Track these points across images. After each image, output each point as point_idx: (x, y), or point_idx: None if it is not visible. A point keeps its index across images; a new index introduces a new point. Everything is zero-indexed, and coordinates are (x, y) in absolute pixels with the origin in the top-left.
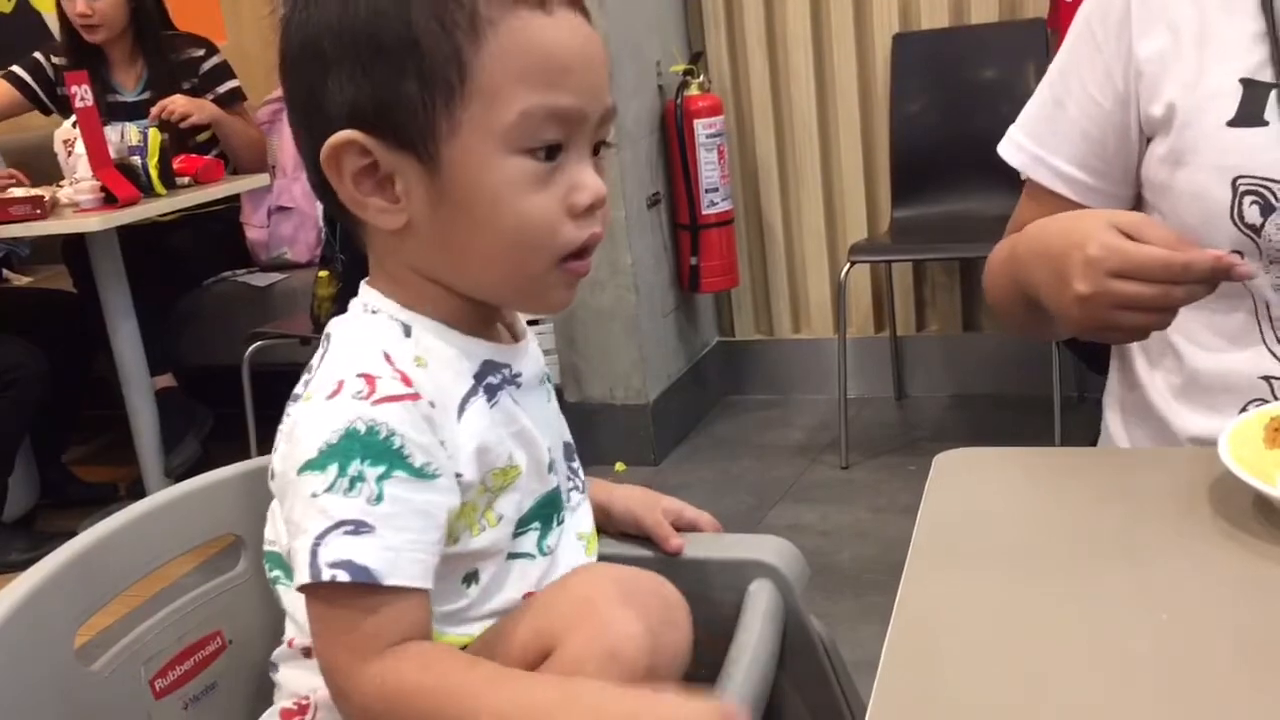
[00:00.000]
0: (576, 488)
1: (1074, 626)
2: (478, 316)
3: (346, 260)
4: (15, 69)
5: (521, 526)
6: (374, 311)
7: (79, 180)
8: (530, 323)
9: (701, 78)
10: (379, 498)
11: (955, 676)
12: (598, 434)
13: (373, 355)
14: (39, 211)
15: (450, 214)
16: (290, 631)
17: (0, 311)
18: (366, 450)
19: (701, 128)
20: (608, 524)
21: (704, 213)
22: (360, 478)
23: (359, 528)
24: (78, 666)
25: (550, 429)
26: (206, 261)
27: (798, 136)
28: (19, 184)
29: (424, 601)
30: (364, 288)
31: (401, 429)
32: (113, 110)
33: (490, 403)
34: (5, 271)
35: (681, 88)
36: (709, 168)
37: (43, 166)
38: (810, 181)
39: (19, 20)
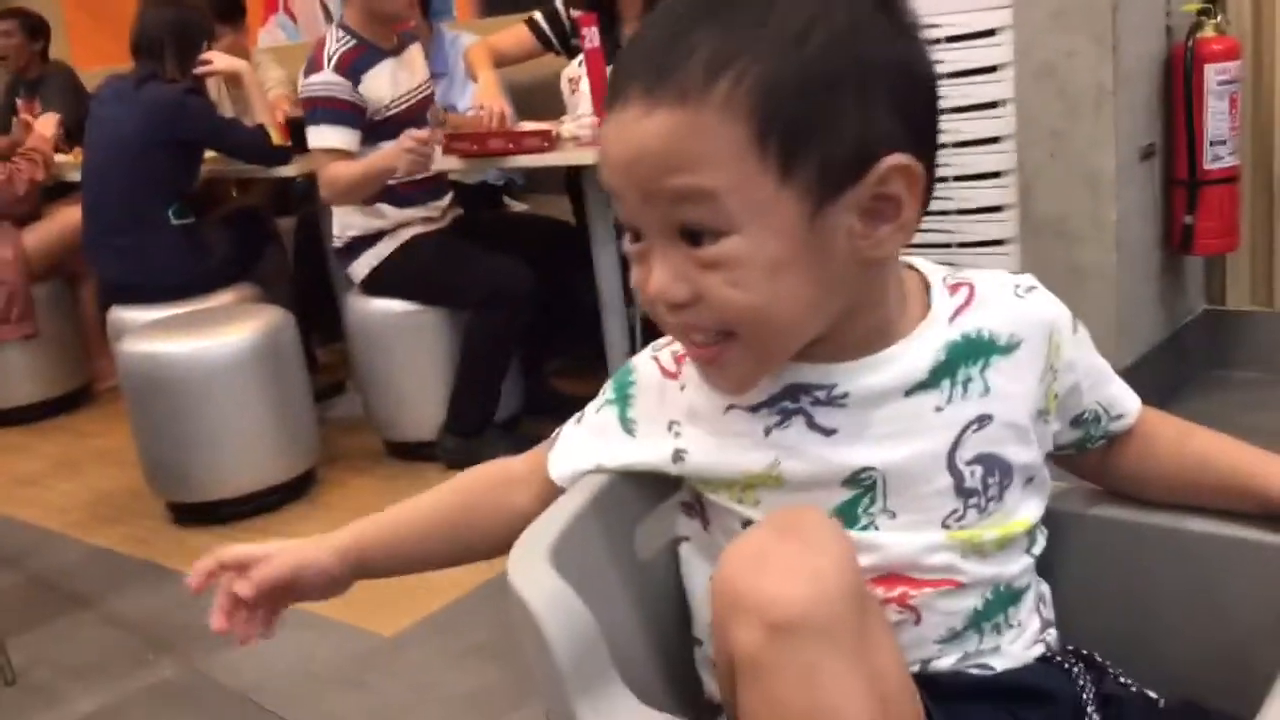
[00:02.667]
0: (976, 507)
1: None
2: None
3: None
4: (535, 16)
5: None
6: None
7: (580, 116)
8: None
9: (1219, 18)
10: (593, 411)
11: None
12: None
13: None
14: (547, 145)
15: None
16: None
17: (502, 234)
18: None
19: (1213, 73)
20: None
21: (1206, 167)
22: (603, 391)
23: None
24: (633, 554)
25: (894, 448)
26: None
27: None
28: None
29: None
30: None
31: (642, 383)
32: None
33: (781, 425)
34: (505, 198)
35: (1194, 29)
36: (1217, 118)
37: (544, 101)
38: None
39: None
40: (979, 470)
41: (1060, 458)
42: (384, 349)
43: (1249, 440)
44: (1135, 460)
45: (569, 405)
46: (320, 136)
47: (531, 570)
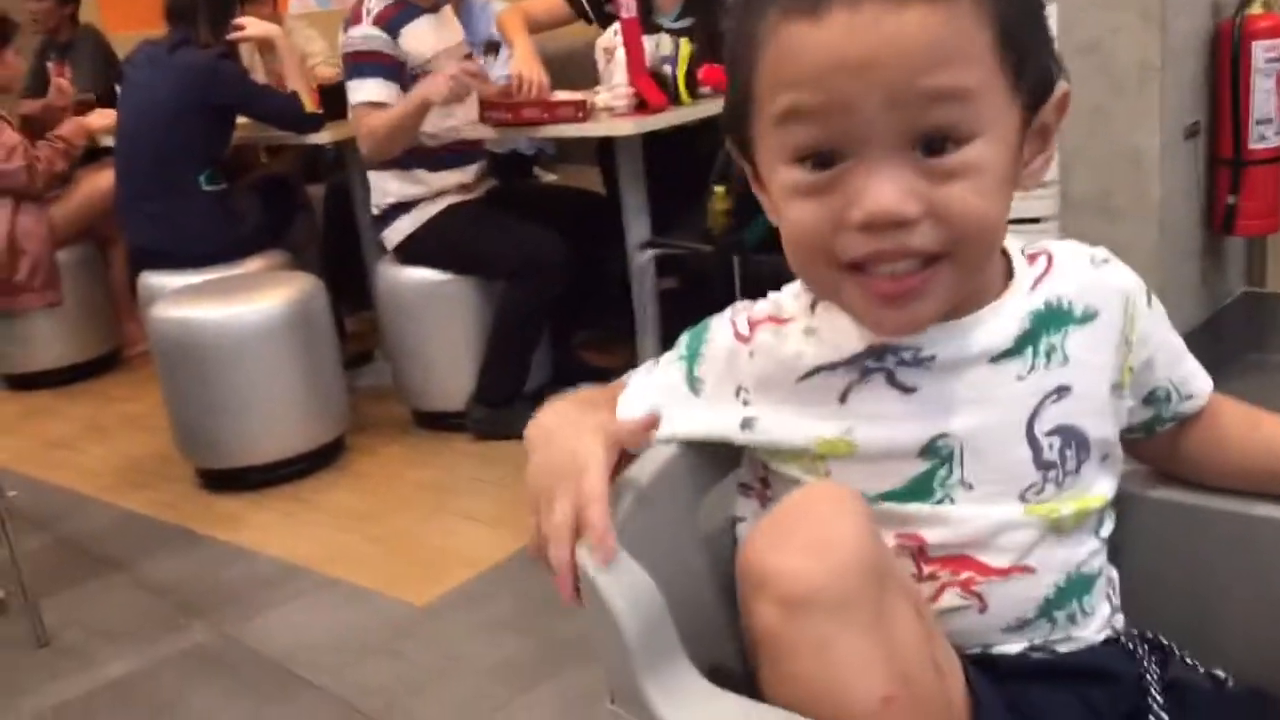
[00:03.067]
0: (1054, 481)
1: None
2: None
3: (743, 179)
4: None
5: (884, 499)
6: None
7: (615, 86)
8: None
9: None
10: (665, 364)
11: None
12: None
13: (767, 302)
14: (581, 115)
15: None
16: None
17: (534, 204)
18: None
19: (1261, 51)
20: None
21: (1251, 147)
22: (677, 345)
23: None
24: (695, 528)
25: (974, 416)
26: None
27: None
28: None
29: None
30: None
31: (714, 343)
32: (649, 30)
33: (861, 382)
34: (535, 168)
35: (1242, 5)
36: (1264, 97)
37: (575, 72)
38: None
39: None
40: (1057, 442)
41: (1127, 441)
42: (414, 318)
43: None
44: (1200, 446)
45: (597, 377)
46: (361, 90)
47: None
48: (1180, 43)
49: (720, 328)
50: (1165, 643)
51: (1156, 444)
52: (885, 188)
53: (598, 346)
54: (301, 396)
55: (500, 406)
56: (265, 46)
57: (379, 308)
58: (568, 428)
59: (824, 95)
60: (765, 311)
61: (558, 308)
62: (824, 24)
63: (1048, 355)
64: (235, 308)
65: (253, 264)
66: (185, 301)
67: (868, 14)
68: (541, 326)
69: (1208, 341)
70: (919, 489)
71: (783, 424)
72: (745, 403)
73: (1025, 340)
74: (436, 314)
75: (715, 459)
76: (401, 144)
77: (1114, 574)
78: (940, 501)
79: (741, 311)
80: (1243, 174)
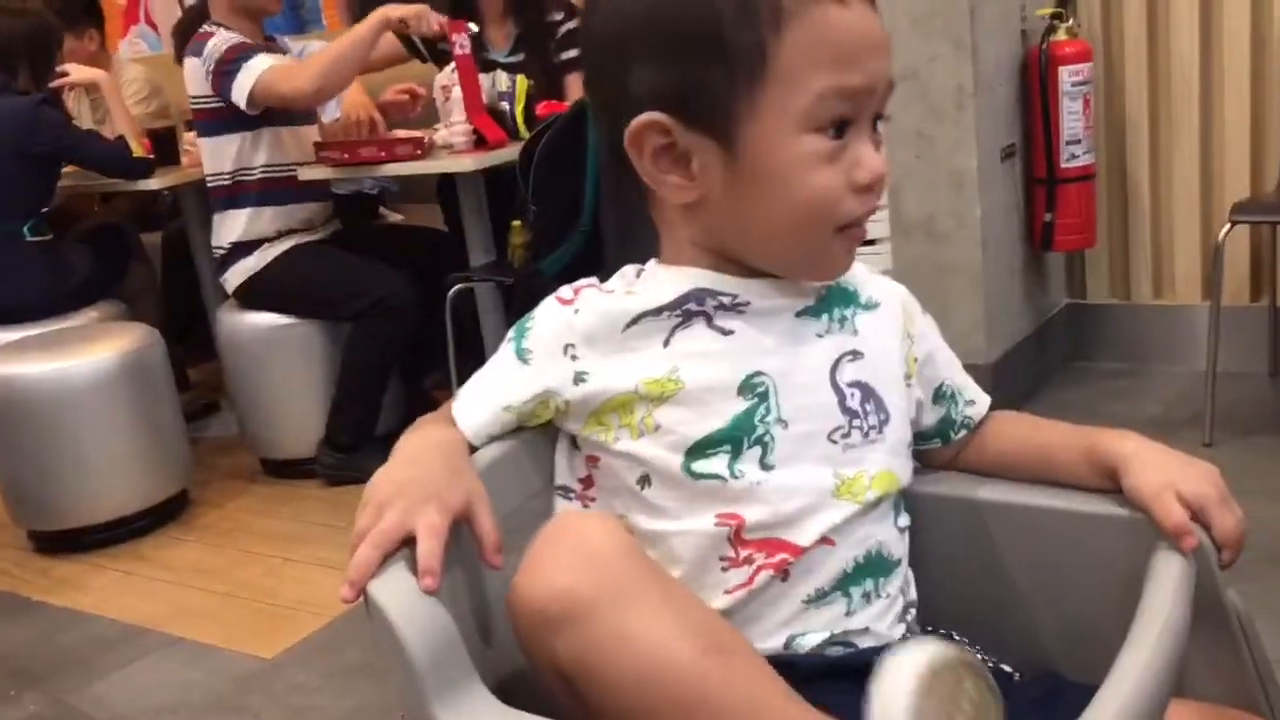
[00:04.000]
0: (859, 429)
1: None
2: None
3: (538, 212)
4: None
5: (706, 449)
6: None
7: (453, 124)
8: None
9: (1070, 22)
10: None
11: None
12: None
13: (589, 280)
14: (420, 152)
15: (744, 190)
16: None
17: (379, 244)
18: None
19: (1066, 75)
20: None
21: (1063, 166)
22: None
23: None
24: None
25: (784, 358)
26: None
27: (1175, 86)
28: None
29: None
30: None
31: (539, 318)
32: (484, 67)
33: (683, 326)
34: (381, 209)
35: (1048, 32)
36: (1072, 118)
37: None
38: (1186, 135)
39: None
40: (858, 394)
41: (924, 451)
42: (258, 363)
43: (1115, 426)
44: (990, 456)
45: None
46: (257, 64)
47: (389, 576)
48: (992, 70)
49: (544, 304)
50: (957, 639)
51: (947, 456)
52: (878, 156)
53: (450, 386)
54: (139, 451)
55: (350, 451)
56: (92, 90)
57: (221, 354)
58: (440, 460)
59: (864, 77)
60: (588, 283)
61: (408, 348)
62: (849, 6)
63: (841, 323)
64: (63, 362)
65: (84, 316)
66: (10, 358)
67: (868, 8)
68: (391, 368)
69: (1035, 352)
70: (742, 425)
71: (612, 372)
72: (574, 358)
73: (823, 305)
74: (281, 359)
75: (521, 474)
76: (349, 74)
77: (910, 575)
78: (762, 436)
79: (564, 288)
80: (1057, 192)
